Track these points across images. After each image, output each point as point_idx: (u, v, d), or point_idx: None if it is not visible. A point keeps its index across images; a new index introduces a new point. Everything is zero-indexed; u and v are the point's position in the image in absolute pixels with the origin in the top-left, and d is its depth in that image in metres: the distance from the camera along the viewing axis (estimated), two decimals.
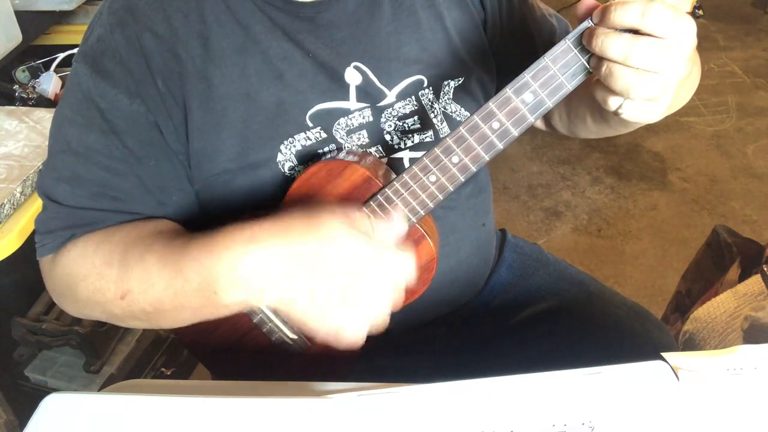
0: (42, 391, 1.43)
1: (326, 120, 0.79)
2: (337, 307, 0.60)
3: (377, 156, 0.82)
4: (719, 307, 1.19)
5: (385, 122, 0.82)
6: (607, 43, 0.56)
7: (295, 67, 0.77)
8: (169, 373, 1.57)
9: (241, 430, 0.61)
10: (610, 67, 0.57)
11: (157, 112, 0.74)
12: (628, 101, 0.59)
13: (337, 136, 0.80)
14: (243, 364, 0.89)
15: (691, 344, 1.19)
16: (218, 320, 0.68)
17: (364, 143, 0.81)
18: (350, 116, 0.80)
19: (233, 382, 0.80)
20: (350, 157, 0.76)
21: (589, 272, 1.05)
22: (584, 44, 0.60)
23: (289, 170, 0.79)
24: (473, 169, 0.69)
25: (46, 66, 1.46)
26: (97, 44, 0.74)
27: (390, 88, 0.81)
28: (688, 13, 0.57)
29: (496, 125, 0.66)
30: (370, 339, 0.63)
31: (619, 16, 0.56)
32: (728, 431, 0.58)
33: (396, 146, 0.83)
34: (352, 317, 0.60)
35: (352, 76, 0.79)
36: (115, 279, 0.70)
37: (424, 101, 0.83)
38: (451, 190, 0.71)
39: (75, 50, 0.78)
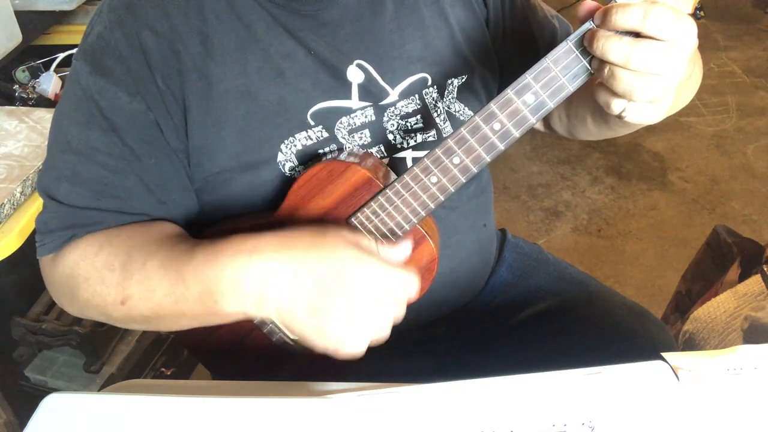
0: (42, 391, 1.43)
1: (328, 119, 0.79)
2: (337, 323, 0.60)
3: (378, 157, 0.82)
4: (719, 307, 1.19)
5: (387, 121, 0.82)
6: (608, 46, 0.56)
7: (296, 65, 0.76)
8: (169, 373, 1.57)
9: (241, 430, 0.61)
10: (612, 69, 0.57)
11: (157, 110, 0.74)
12: (630, 103, 0.59)
13: (339, 135, 0.79)
14: (243, 365, 0.89)
15: (691, 344, 1.19)
16: None
17: (366, 143, 0.81)
18: (352, 115, 0.80)
19: (233, 382, 0.79)
20: (351, 158, 0.76)
21: (589, 272, 1.05)
22: (586, 46, 0.60)
23: (289, 170, 0.78)
24: (474, 170, 0.69)
25: (46, 66, 1.46)
26: (97, 42, 0.73)
27: (393, 86, 0.81)
28: (690, 14, 0.57)
29: (497, 126, 0.66)
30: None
31: (621, 18, 0.56)
32: (728, 431, 0.58)
33: (399, 146, 0.83)
34: (351, 334, 0.61)
35: (355, 74, 0.79)
36: (115, 284, 0.70)
37: (428, 100, 0.83)
38: (453, 191, 0.71)
39: (75, 50, 0.78)
